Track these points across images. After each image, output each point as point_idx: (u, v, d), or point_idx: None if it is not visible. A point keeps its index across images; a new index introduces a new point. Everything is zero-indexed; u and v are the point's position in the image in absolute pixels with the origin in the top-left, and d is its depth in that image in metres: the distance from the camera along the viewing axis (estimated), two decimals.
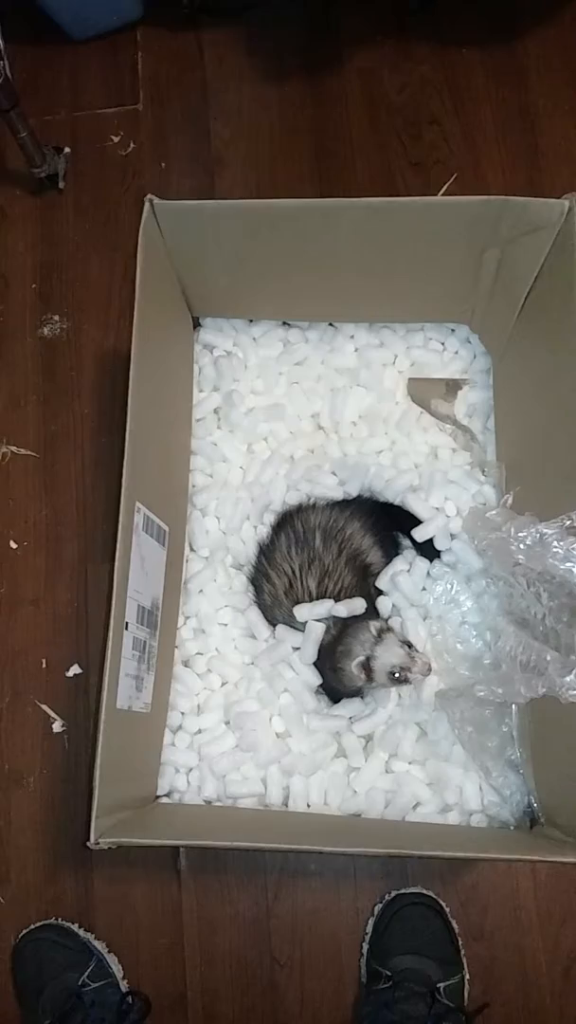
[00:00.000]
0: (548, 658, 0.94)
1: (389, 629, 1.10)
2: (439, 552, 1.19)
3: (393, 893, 1.19)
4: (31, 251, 1.53)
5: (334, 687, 1.16)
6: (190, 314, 1.32)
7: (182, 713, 1.19)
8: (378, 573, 1.20)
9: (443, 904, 1.18)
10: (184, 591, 1.24)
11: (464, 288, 1.19)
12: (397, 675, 1.06)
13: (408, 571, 1.19)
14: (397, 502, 1.22)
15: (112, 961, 1.20)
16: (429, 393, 1.32)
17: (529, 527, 1.00)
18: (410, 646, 1.08)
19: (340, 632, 1.13)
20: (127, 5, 1.59)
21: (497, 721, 1.11)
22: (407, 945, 1.15)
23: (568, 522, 0.96)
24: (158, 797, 1.16)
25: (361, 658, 1.08)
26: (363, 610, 1.14)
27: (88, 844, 0.87)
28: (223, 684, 1.21)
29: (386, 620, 1.17)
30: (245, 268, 1.18)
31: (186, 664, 1.22)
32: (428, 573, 1.19)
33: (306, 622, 1.15)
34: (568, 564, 0.96)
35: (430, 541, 1.19)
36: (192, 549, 1.27)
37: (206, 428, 1.32)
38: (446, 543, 1.19)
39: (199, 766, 1.16)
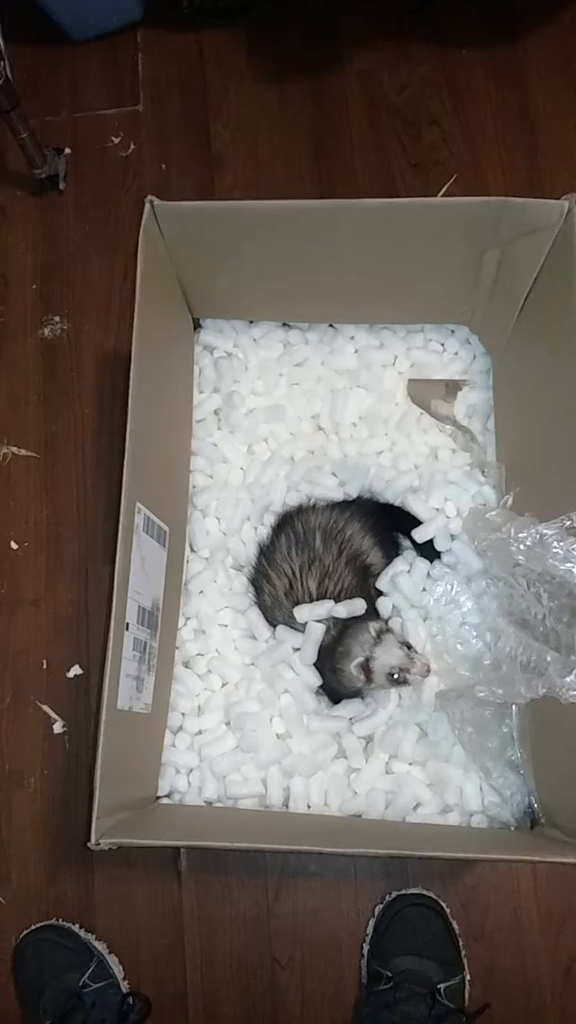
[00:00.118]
0: (548, 659, 0.94)
1: (388, 630, 1.11)
2: (439, 553, 1.20)
3: (394, 894, 1.19)
4: (32, 252, 1.53)
5: (334, 688, 1.16)
6: (190, 315, 1.32)
7: (183, 714, 1.19)
8: (378, 574, 1.20)
9: (444, 905, 1.18)
10: (184, 592, 1.25)
11: (464, 289, 1.19)
12: (396, 676, 1.06)
13: (408, 572, 1.19)
14: (397, 503, 1.22)
15: (113, 962, 1.20)
16: (429, 394, 1.32)
17: (529, 528, 1.00)
18: (409, 647, 1.09)
19: (340, 633, 1.13)
20: (127, 6, 1.59)
21: (497, 722, 1.11)
22: (408, 946, 1.15)
23: (568, 523, 0.96)
24: (159, 798, 1.16)
25: (360, 659, 1.08)
26: (363, 611, 1.14)
27: (89, 845, 0.87)
28: (223, 685, 1.21)
29: (386, 621, 1.17)
30: (245, 269, 1.18)
31: (186, 665, 1.22)
32: (428, 574, 1.19)
33: (306, 623, 1.15)
34: (568, 565, 0.96)
35: (430, 542, 1.19)
36: (192, 550, 1.27)
37: (206, 429, 1.32)
38: (446, 544, 1.19)
39: (200, 767, 1.16)
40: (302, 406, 1.32)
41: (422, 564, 1.19)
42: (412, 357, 1.33)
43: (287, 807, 1.14)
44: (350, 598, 1.15)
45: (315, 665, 1.16)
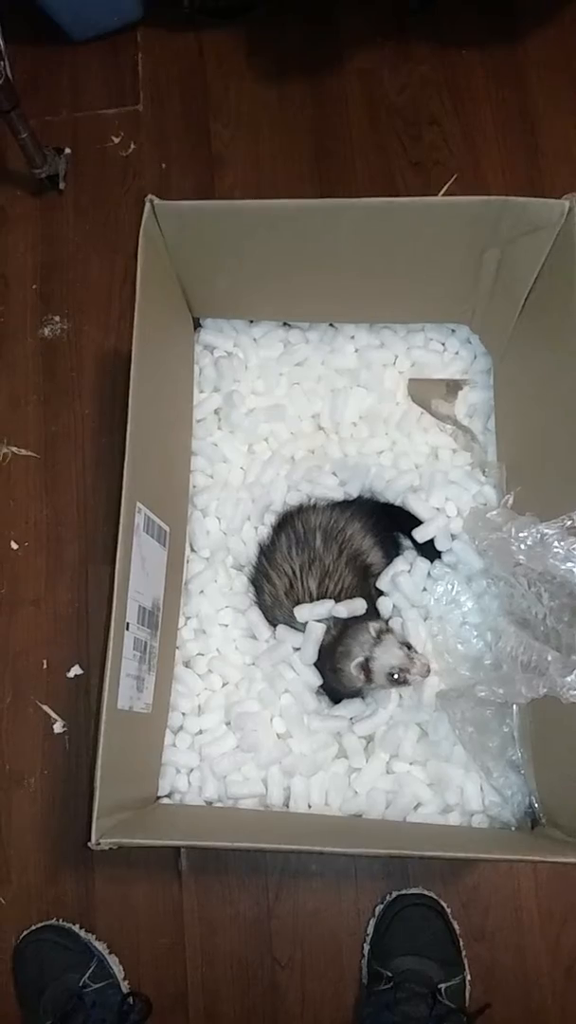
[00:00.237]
0: (549, 658, 0.94)
1: (388, 630, 1.10)
2: (440, 552, 1.19)
3: (394, 894, 1.19)
4: (32, 252, 1.53)
5: (334, 688, 1.16)
6: (190, 315, 1.32)
7: (183, 714, 1.19)
8: (379, 574, 1.20)
9: (444, 905, 1.18)
10: (185, 592, 1.24)
11: (464, 288, 1.19)
12: (396, 676, 1.06)
13: (409, 572, 1.19)
14: (398, 503, 1.22)
15: (113, 962, 1.20)
16: (430, 393, 1.32)
17: (530, 527, 1.00)
18: (409, 647, 1.08)
19: (340, 633, 1.13)
20: (127, 6, 1.59)
21: (498, 721, 1.11)
22: (408, 946, 1.15)
23: (569, 522, 0.96)
24: (159, 798, 1.16)
25: (360, 659, 1.08)
26: (363, 611, 1.14)
27: (89, 845, 0.87)
28: (224, 685, 1.21)
29: (386, 621, 1.17)
30: (245, 269, 1.18)
31: (187, 665, 1.22)
32: (429, 574, 1.19)
33: (306, 623, 1.15)
34: (569, 564, 0.96)
35: (431, 542, 1.19)
36: (193, 550, 1.27)
37: (207, 429, 1.32)
38: (447, 543, 1.19)
39: (200, 767, 1.16)
40: (302, 405, 1.32)
41: (422, 564, 1.19)
42: (412, 356, 1.33)
43: (288, 807, 1.13)
44: (350, 598, 1.15)
45: (315, 665, 1.16)
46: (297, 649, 1.16)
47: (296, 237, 1.10)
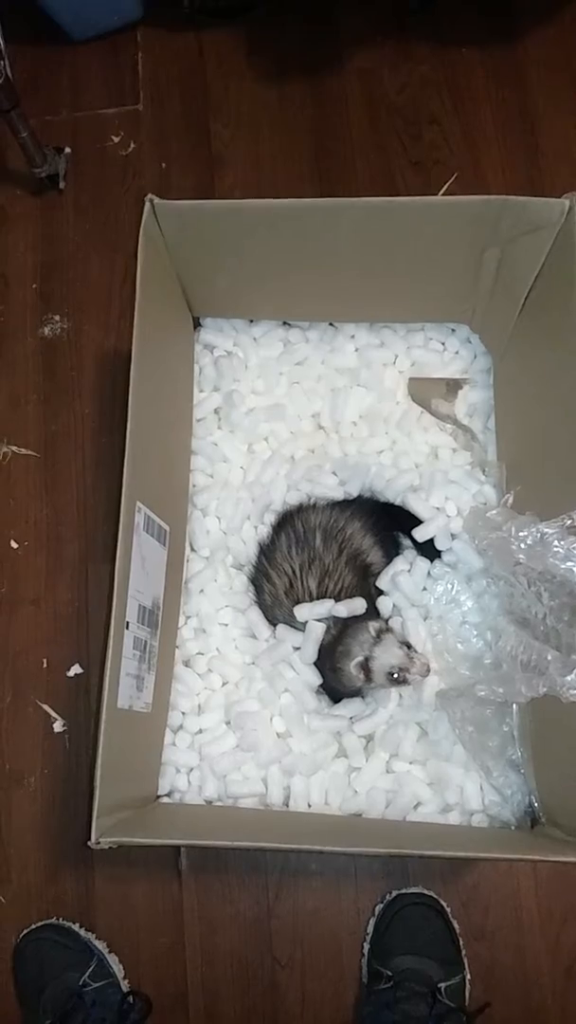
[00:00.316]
0: (549, 657, 0.94)
1: (388, 630, 1.10)
2: (440, 552, 1.19)
3: (394, 893, 1.19)
4: (32, 251, 1.53)
5: (334, 687, 1.16)
6: (190, 314, 1.32)
7: (183, 713, 1.19)
8: (378, 573, 1.20)
9: (444, 904, 1.18)
10: (185, 591, 1.24)
11: (464, 288, 1.19)
12: (396, 676, 1.06)
13: (409, 571, 1.19)
14: (398, 502, 1.22)
15: (113, 961, 1.20)
16: (430, 393, 1.32)
17: (530, 527, 1.00)
18: (409, 647, 1.08)
19: (340, 632, 1.13)
20: (127, 5, 1.59)
21: (498, 721, 1.11)
22: (408, 945, 1.15)
23: (569, 521, 0.96)
24: (159, 797, 1.16)
25: (360, 659, 1.08)
26: (363, 610, 1.14)
27: (89, 844, 0.87)
28: (224, 684, 1.21)
29: (386, 620, 1.17)
30: (245, 268, 1.18)
31: (187, 664, 1.22)
32: (429, 573, 1.19)
33: (306, 622, 1.15)
34: (569, 563, 0.96)
35: (431, 541, 1.19)
36: (193, 549, 1.27)
37: (207, 428, 1.32)
38: (447, 543, 1.19)
39: (200, 766, 1.16)
40: (302, 405, 1.32)
41: (422, 563, 1.19)
42: (412, 356, 1.33)
43: (287, 806, 1.13)
44: (350, 597, 1.15)
45: (315, 664, 1.16)
46: (297, 648, 1.16)
47: (296, 236, 1.10)
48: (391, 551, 1.22)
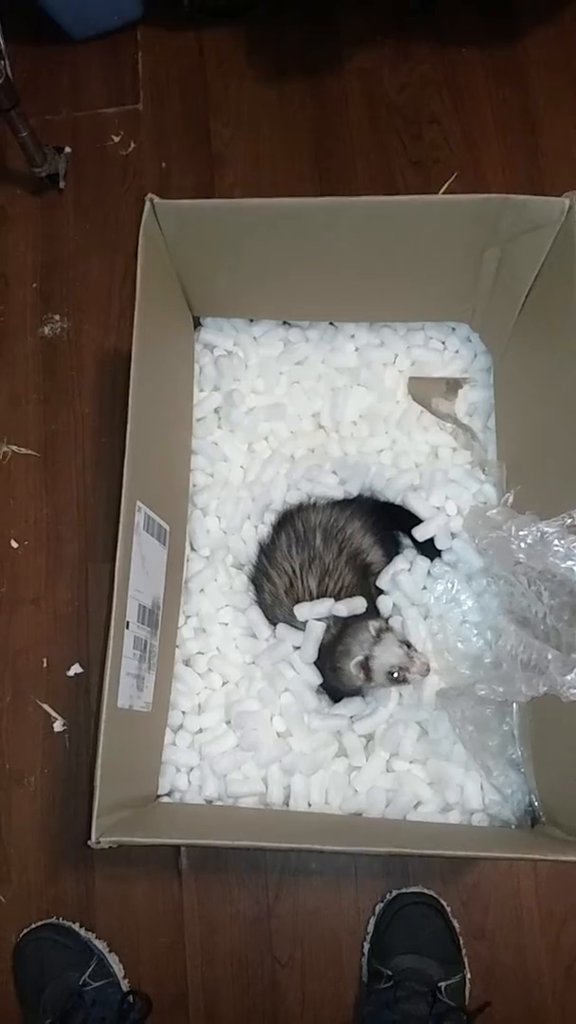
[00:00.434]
0: (549, 657, 0.94)
1: (388, 629, 1.10)
2: (440, 551, 1.19)
3: (394, 892, 1.19)
4: (32, 250, 1.53)
5: (334, 686, 1.16)
6: (190, 314, 1.32)
7: (183, 712, 1.19)
8: (379, 572, 1.20)
9: (444, 903, 1.18)
10: (185, 590, 1.24)
11: (464, 287, 1.19)
12: (396, 675, 1.06)
13: (409, 570, 1.19)
14: (398, 501, 1.22)
15: (113, 960, 1.20)
16: (430, 392, 1.32)
17: (530, 526, 1.00)
18: (409, 646, 1.08)
19: (340, 631, 1.13)
20: (127, 5, 1.59)
21: (498, 720, 1.11)
22: (408, 944, 1.15)
23: (569, 520, 0.96)
24: (159, 796, 1.16)
25: (360, 658, 1.08)
26: (363, 609, 1.14)
27: (89, 843, 0.87)
28: (224, 683, 1.21)
29: (386, 619, 1.17)
30: (245, 267, 1.18)
31: (187, 663, 1.22)
32: (429, 572, 1.19)
33: (306, 621, 1.15)
34: (569, 563, 0.96)
35: (431, 540, 1.19)
36: (193, 548, 1.27)
37: (207, 427, 1.32)
38: (447, 542, 1.19)
39: (200, 765, 1.16)
40: (302, 404, 1.32)
41: (422, 562, 1.19)
42: (413, 355, 1.33)
43: (288, 805, 1.13)
44: (350, 596, 1.14)
45: (315, 663, 1.16)
46: (297, 648, 1.16)
47: (296, 236, 1.10)
48: (391, 550, 1.22)
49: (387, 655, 1.07)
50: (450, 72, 1.58)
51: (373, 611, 1.17)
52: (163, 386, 1.17)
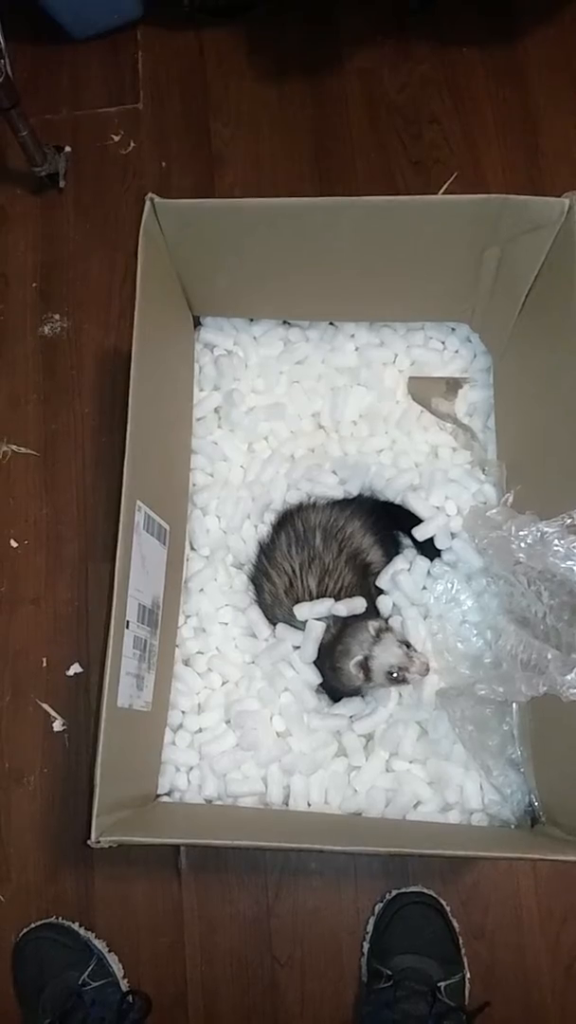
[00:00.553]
0: (549, 656, 0.94)
1: (388, 629, 1.10)
2: (439, 551, 1.19)
3: (394, 892, 1.19)
4: (31, 250, 1.53)
5: (334, 686, 1.16)
6: (191, 313, 1.32)
7: (183, 712, 1.19)
8: (378, 572, 1.20)
9: (444, 903, 1.18)
10: (185, 590, 1.24)
11: (464, 287, 1.19)
12: (395, 675, 1.06)
13: (408, 570, 1.19)
14: (397, 501, 1.22)
15: (113, 960, 1.20)
16: (430, 392, 1.32)
17: (530, 526, 1.00)
18: (408, 646, 1.08)
19: (340, 631, 1.13)
20: (127, 4, 1.59)
21: (498, 720, 1.11)
22: (408, 944, 1.15)
23: (569, 520, 0.96)
24: (159, 796, 1.16)
25: (359, 658, 1.08)
26: (363, 609, 1.14)
27: (89, 843, 0.87)
28: (224, 683, 1.21)
29: (386, 619, 1.17)
30: (245, 267, 1.18)
31: (187, 663, 1.22)
32: (428, 572, 1.19)
33: (306, 621, 1.15)
34: (569, 562, 0.96)
35: (430, 540, 1.19)
36: (193, 548, 1.27)
37: (207, 427, 1.32)
38: (446, 542, 1.19)
39: (200, 765, 1.16)
40: (302, 404, 1.32)
41: (422, 562, 1.19)
42: (412, 355, 1.33)
43: (287, 805, 1.13)
44: (350, 596, 1.14)
45: (315, 663, 1.16)
46: (297, 647, 1.16)
47: (296, 236, 1.10)
48: (391, 550, 1.22)
49: (386, 655, 1.07)
50: (450, 72, 1.58)
51: (373, 611, 1.17)
52: (163, 386, 1.17)
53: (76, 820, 1.25)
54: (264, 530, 1.24)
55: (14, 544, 1.38)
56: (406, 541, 1.23)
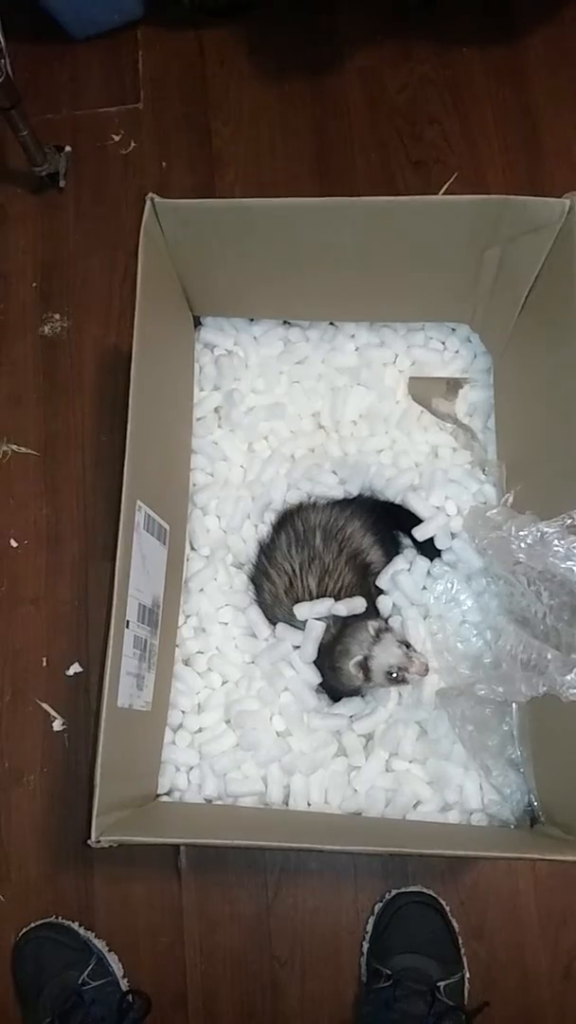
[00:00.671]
0: (549, 657, 0.94)
1: (387, 629, 1.10)
2: (439, 551, 1.20)
3: (393, 892, 1.19)
4: (32, 250, 1.53)
5: (333, 686, 1.16)
6: (191, 313, 1.32)
7: (183, 712, 1.19)
8: (378, 572, 1.20)
9: (443, 903, 1.18)
10: (185, 590, 1.25)
11: (464, 287, 1.19)
12: (395, 675, 1.06)
13: (408, 570, 1.19)
14: (398, 501, 1.22)
15: (112, 960, 1.20)
16: (430, 392, 1.32)
17: (529, 526, 1.00)
18: (408, 646, 1.08)
19: (340, 631, 1.13)
20: (128, 4, 1.59)
21: (497, 720, 1.11)
22: (407, 944, 1.15)
23: (568, 521, 0.96)
24: (159, 795, 1.16)
25: (359, 658, 1.08)
26: (363, 609, 1.14)
27: (89, 842, 0.87)
28: (224, 683, 1.21)
29: (386, 619, 1.17)
30: (246, 267, 1.18)
31: (187, 663, 1.22)
32: (428, 572, 1.19)
33: (306, 621, 1.15)
34: (569, 563, 0.96)
35: (430, 540, 1.19)
36: (193, 548, 1.27)
37: (207, 427, 1.32)
38: (446, 542, 1.19)
39: (200, 764, 1.16)
40: (302, 404, 1.32)
41: (422, 562, 1.19)
42: (413, 355, 1.33)
43: (287, 805, 1.13)
44: (350, 596, 1.15)
45: (315, 663, 1.16)
46: (297, 647, 1.16)
47: (296, 236, 1.10)
48: (391, 550, 1.22)
49: (386, 655, 1.07)
50: (450, 72, 1.58)
51: (373, 611, 1.17)
52: (163, 386, 1.17)
53: (76, 820, 1.25)
54: (264, 530, 1.24)
55: (14, 544, 1.38)
56: (406, 541, 1.23)
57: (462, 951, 1.17)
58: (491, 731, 1.10)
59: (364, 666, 1.08)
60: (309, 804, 1.14)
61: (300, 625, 1.16)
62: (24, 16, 1.48)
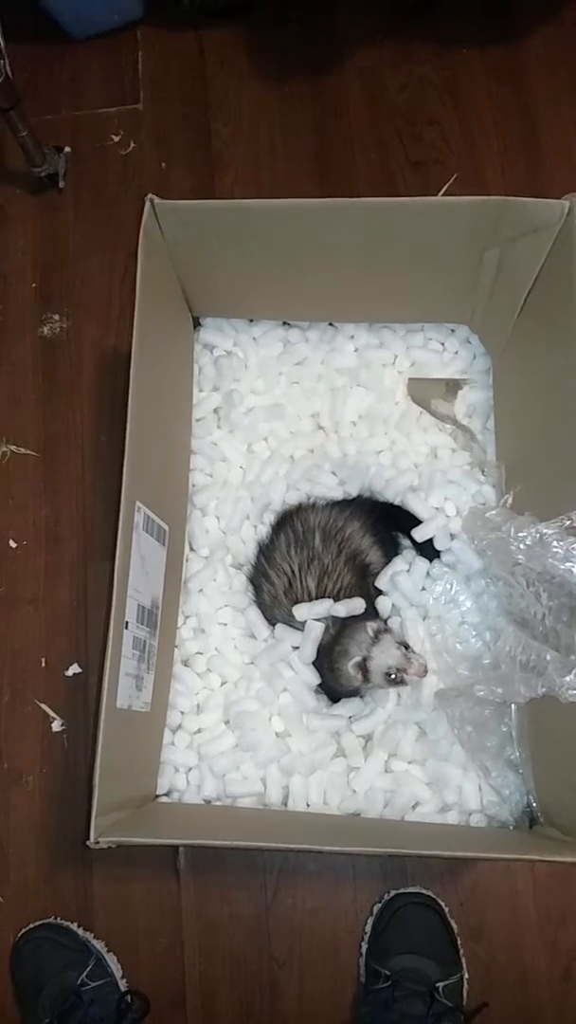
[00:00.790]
0: (548, 658, 0.94)
1: (386, 630, 1.10)
2: (439, 552, 1.20)
3: (392, 893, 1.19)
4: (31, 250, 1.53)
5: (332, 687, 1.16)
6: (190, 314, 1.32)
7: (182, 712, 1.19)
8: (377, 573, 1.20)
9: (442, 904, 1.18)
10: (184, 590, 1.25)
11: (464, 288, 1.19)
12: (393, 676, 1.06)
13: (408, 571, 1.19)
14: (397, 502, 1.22)
15: (111, 960, 1.20)
16: (429, 393, 1.32)
17: (529, 527, 1.00)
18: (407, 647, 1.08)
19: (339, 632, 1.13)
20: (128, 4, 1.59)
21: (496, 721, 1.11)
22: (406, 945, 1.15)
23: (568, 522, 0.96)
24: (158, 796, 1.16)
25: (357, 659, 1.08)
26: (362, 610, 1.14)
27: (88, 843, 0.87)
28: (223, 683, 1.21)
29: (385, 620, 1.17)
30: (245, 268, 1.18)
31: (186, 663, 1.22)
32: (428, 573, 1.19)
33: (305, 621, 1.15)
34: (568, 564, 0.96)
35: (430, 541, 1.19)
36: (192, 548, 1.27)
37: (206, 428, 1.32)
38: (446, 543, 1.19)
39: (199, 765, 1.16)
40: (302, 405, 1.32)
41: (421, 563, 1.19)
42: (412, 356, 1.33)
43: (286, 806, 1.13)
44: (349, 597, 1.15)
45: (314, 664, 1.16)
46: (296, 648, 1.16)
47: (296, 236, 1.10)
48: (390, 551, 1.22)
49: (385, 656, 1.07)
50: (450, 72, 1.58)
51: (372, 612, 1.17)
52: (163, 386, 1.17)
53: (75, 820, 1.25)
54: (263, 531, 1.24)
55: (13, 544, 1.38)
56: (405, 542, 1.23)
57: (461, 952, 1.17)
58: (490, 732, 1.10)
59: (363, 667, 1.08)
60: (308, 805, 1.14)
61: (299, 626, 1.16)
62: (24, 16, 1.48)
